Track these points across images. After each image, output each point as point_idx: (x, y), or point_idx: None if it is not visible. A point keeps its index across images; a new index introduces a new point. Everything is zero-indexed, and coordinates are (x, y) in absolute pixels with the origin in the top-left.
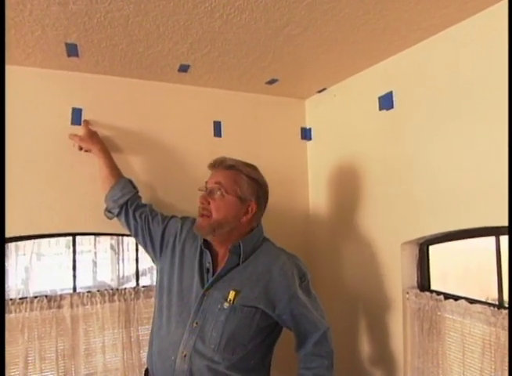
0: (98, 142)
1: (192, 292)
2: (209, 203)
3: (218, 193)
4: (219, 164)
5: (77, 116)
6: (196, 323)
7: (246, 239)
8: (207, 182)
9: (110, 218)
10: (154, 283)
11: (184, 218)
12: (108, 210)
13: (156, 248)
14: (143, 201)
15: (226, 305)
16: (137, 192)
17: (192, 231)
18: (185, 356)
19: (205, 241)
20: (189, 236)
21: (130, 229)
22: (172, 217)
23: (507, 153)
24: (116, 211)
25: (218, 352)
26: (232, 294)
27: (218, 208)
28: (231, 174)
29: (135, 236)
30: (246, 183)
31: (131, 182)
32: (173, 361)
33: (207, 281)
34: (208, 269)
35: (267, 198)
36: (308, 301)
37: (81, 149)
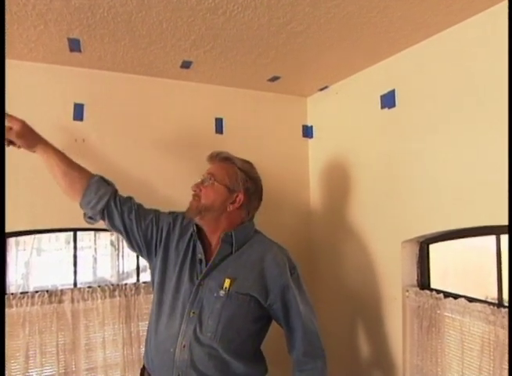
0: (40, 136)
1: (187, 284)
2: (200, 190)
3: (209, 181)
4: (215, 157)
5: (79, 111)
6: (193, 313)
7: (237, 229)
8: (203, 175)
9: (93, 224)
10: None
11: (173, 213)
12: (90, 217)
13: (149, 246)
14: (124, 194)
15: (222, 292)
16: (114, 188)
17: (184, 226)
18: (184, 346)
19: (198, 232)
20: (183, 231)
21: (120, 230)
22: (160, 212)
23: (507, 153)
24: (98, 217)
25: (214, 340)
26: (227, 282)
27: (207, 194)
28: (224, 165)
29: (127, 237)
30: (236, 175)
31: (102, 179)
32: (172, 353)
33: (201, 271)
34: (201, 260)
35: (260, 194)
36: (298, 294)
37: (10, 144)
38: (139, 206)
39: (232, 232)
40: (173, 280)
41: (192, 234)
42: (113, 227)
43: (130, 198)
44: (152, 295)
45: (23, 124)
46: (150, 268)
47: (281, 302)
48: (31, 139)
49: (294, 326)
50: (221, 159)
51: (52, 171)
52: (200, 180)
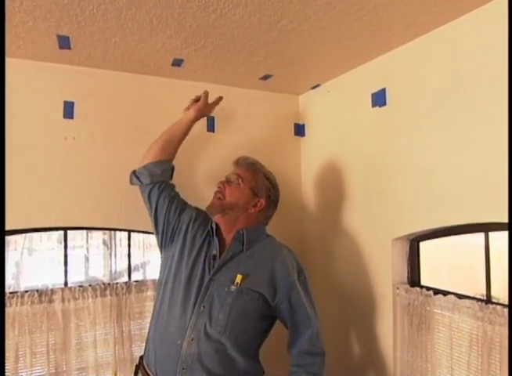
0: (198, 118)
1: (200, 278)
2: (225, 188)
3: (235, 181)
4: (242, 161)
5: (69, 109)
6: (204, 307)
7: (249, 228)
8: (227, 176)
9: (133, 184)
10: (146, 278)
11: (198, 209)
12: (137, 176)
13: (167, 232)
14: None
15: (233, 287)
16: (170, 178)
17: (204, 223)
18: (192, 339)
19: (216, 229)
20: (201, 227)
21: (151, 206)
22: (188, 205)
23: (498, 151)
24: (146, 181)
25: (224, 334)
26: (239, 278)
27: (232, 193)
28: (250, 170)
29: (154, 215)
30: (261, 180)
31: (173, 169)
32: (179, 346)
33: (213, 266)
34: (215, 256)
35: (277, 204)
36: (304, 296)
37: (197, 101)
38: (176, 194)
39: (244, 230)
40: (186, 272)
41: (208, 231)
42: (148, 199)
43: (173, 185)
44: (144, 293)
45: (207, 105)
46: (164, 256)
47: (288, 303)
48: (200, 115)
49: (300, 327)
50: (248, 164)
51: (170, 132)
52: (225, 179)
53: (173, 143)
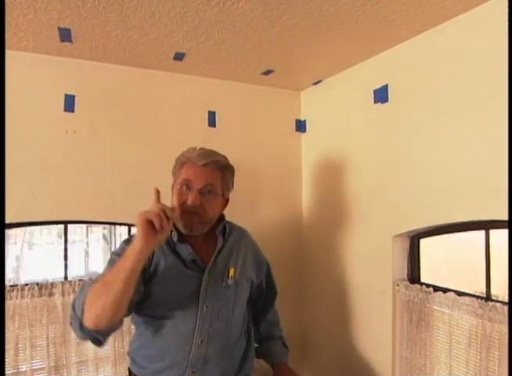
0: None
1: (193, 282)
2: (201, 202)
3: (212, 193)
4: (212, 164)
5: (70, 102)
6: (207, 307)
7: (226, 222)
8: (190, 180)
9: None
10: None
11: (123, 243)
12: (98, 340)
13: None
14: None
15: (230, 281)
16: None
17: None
18: (201, 341)
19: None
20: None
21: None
22: (117, 256)
23: (500, 149)
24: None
25: (229, 326)
26: (232, 271)
27: (212, 208)
28: (220, 174)
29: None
30: (229, 181)
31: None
32: (187, 351)
33: (203, 268)
34: (194, 259)
35: None
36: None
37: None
38: (140, 288)
39: (226, 225)
40: (171, 287)
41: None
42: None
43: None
44: None
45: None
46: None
47: (267, 277)
48: (157, 241)
49: (272, 299)
50: (219, 167)
51: (116, 288)
52: (190, 187)
53: (129, 295)
